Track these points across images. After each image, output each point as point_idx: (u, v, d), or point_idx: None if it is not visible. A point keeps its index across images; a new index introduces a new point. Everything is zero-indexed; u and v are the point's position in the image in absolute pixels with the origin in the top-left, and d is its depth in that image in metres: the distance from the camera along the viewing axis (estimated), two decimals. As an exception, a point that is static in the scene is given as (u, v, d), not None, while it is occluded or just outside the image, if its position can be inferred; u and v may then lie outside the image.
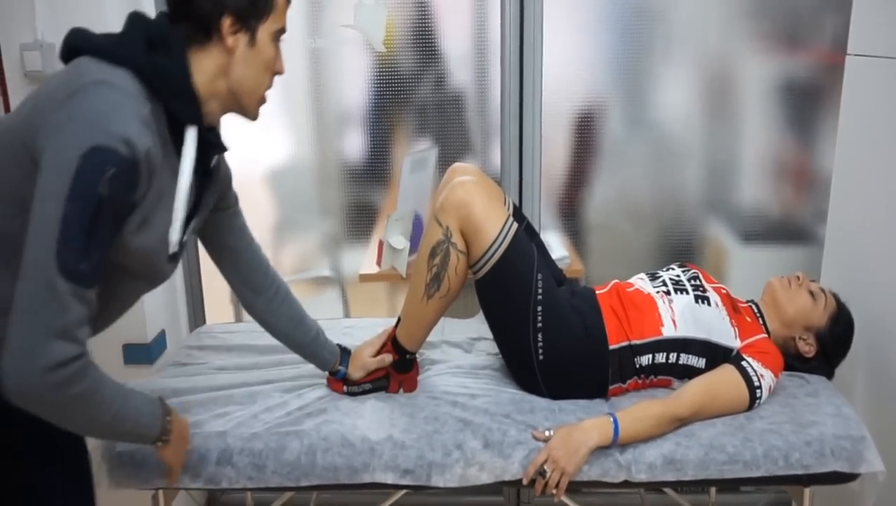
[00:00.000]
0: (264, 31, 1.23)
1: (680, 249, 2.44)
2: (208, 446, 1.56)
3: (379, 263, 2.38)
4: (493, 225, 1.62)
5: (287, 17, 1.27)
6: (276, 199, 2.52)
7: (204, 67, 1.21)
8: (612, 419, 1.51)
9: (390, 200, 2.50)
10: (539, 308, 1.63)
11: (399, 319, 1.79)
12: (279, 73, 1.28)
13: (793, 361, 1.77)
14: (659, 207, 2.43)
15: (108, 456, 1.56)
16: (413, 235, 2.36)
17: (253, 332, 2.15)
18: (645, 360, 1.66)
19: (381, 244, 2.37)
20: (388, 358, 1.75)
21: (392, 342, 1.77)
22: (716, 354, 1.65)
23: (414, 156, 2.30)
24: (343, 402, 1.72)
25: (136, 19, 1.20)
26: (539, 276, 1.64)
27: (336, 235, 2.54)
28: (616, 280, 1.82)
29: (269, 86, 1.29)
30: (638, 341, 1.65)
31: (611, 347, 1.65)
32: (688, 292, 1.71)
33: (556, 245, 2.38)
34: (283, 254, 2.57)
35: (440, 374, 1.84)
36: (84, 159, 1.04)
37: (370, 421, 1.64)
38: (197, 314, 2.56)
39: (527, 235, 1.77)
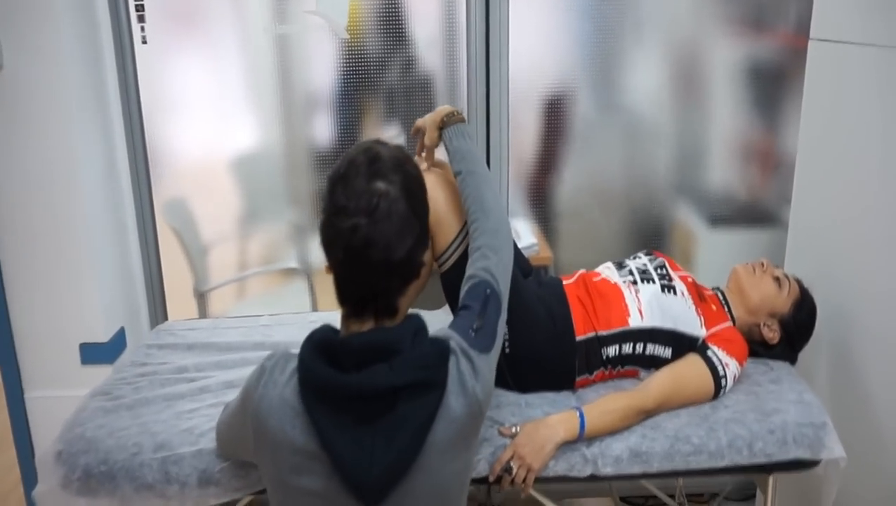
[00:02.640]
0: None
1: (649, 234, 2.45)
2: (186, 471, 1.53)
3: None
4: (457, 218, 1.60)
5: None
6: (242, 187, 2.46)
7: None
8: (578, 414, 1.51)
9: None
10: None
11: None
12: None
13: (757, 348, 1.79)
14: (628, 192, 2.43)
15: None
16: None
17: (216, 328, 2.15)
18: (612, 350, 1.66)
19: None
20: None
21: None
22: (682, 344, 1.66)
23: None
24: None
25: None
26: None
27: (303, 224, 2.49)
28: (583, 270, 1.82)
29: None
30: (605, 332, 1.66)
31: (578, 338, 1.65)
32: (654, 282, 1.71)
33: (525, 232, 2.37)
34: (248, 245, 2.52)
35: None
36: None
37: None
38: (158, 310, 2.48)
39: None
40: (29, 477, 2.27)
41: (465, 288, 1.34)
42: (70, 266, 2.12)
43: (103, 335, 2.15)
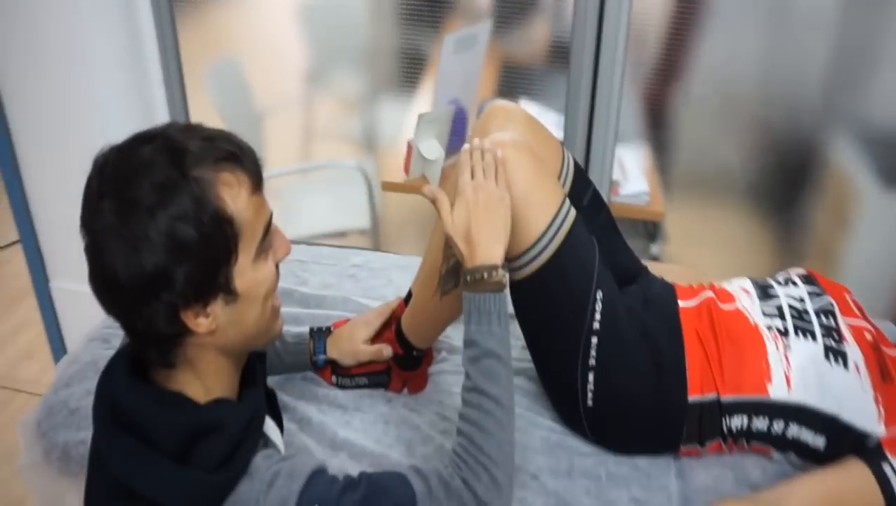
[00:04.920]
0: (243, 265, 0.89)
1: (789, 185, 1.81)
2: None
3: (406, 169, 1.88)
4: (539, 213, 1.13)
5: (264, 205, 0.92)
6: (308, 41, 2.05)
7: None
8: None
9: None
10: (594, 340, 1.16)
11: (409, 295, 1.35)
12: (279, 260, 0.96)
13: None
14: (770, 112, 1.76)
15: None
16: (453, 137, 1.83)
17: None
18: (737, 422, 1.18)
19: (409, 148, 1.85)
20: (387, 351, 1.34)
21: (396, 331, 1.34)
22: (843, 437, 1.15)
23: (458, 33, 1.71)
24: (324, 402, 1.36)
25: None
26: (599, 294, 1.15)
27: (375, 90, 2.05)
28: (708, 287, 1.29)
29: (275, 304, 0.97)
30: (731, 398, 1.17)
31: (691, 398, 1.18)
32: (815, 337, 1.18)
33: (633, 170, 1.81)
34: (313, 113, 2.14)
35: (457, 371, 1.42)
36: None
37: (355, 442, 1.28)
38: None
39: (591, 212, 1.25)
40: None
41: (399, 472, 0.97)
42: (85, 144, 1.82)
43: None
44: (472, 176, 1.09)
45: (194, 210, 0.82)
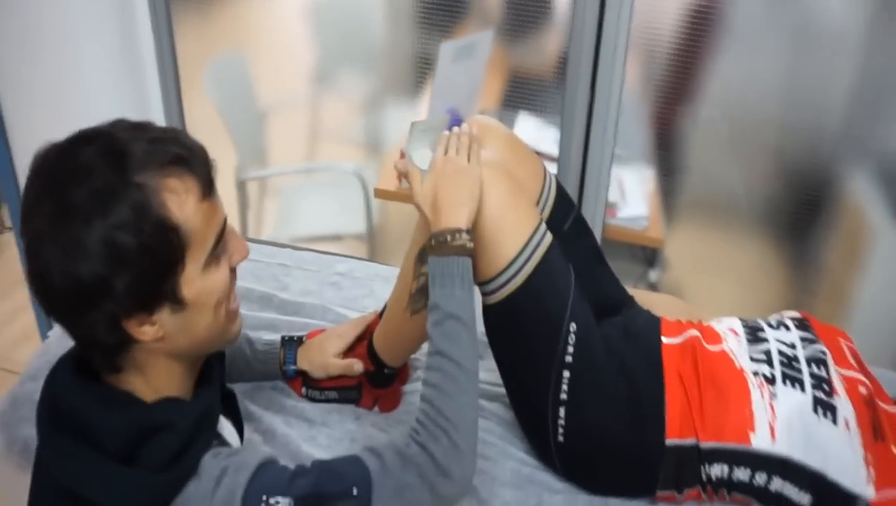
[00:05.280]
0: (191, 274, 0.84)
1: (801, 216, 1.71)
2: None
3: (399, 178, 1.82)
4: (511, 237, 1.07)
5: (216, 211, 0.86)
6: (315, 40, 2.01)
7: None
8: None
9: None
10: (566, 373, 1.09)
11: (384, 310, 1.29)
12: (235, 264, 0.91)
13: None
14: (783, 141, 1.68)
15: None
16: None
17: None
18: (717, 470, 1.10)
19: (401, 157, 1.78)
20: (358, 366, 1.29)
21: (368, 347, 1.28)
22: (829, 496, 1.07)
23: (458, 41, 1.65)
24: (292, 414, 1.31)
25: None
26: (573, 325, 1.08)
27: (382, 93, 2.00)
28: (694, 325, 1.21)
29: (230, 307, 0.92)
30: (711, 445, 1.09)
31: (668, 441, 1.10)
32: (804, 388, 1.10)
33: (633, 191, 1.74)
34: (319, 113, 2.09)
35: (432, 392, 1.35)
36: None
37: (321, 455, 1.18)
38: None
39: (572, 238, 1.18)
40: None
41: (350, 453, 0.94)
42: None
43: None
44: (446, 152, 1.08)
45: (134, 219, 0.77)
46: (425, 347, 1.44)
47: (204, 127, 2.06)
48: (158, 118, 1.98)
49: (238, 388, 1.37)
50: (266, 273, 1.71)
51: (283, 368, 1.31)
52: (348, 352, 1.31)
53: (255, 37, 2.08)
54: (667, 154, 1.74)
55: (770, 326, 1.20)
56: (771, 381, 1.11)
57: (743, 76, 1.64)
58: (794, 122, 1.66)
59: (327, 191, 2.38)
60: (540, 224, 1.09)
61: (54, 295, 0.79)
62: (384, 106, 2.11)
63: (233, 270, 0.90)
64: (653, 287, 1.83)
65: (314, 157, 2.29)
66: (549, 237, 1.10)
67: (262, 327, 1.52)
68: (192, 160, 0.82)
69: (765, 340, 1.17)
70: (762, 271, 1.79)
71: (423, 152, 1.75)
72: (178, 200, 0.80)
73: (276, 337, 1.34)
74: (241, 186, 2.23)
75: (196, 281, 0.83)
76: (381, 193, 1.87)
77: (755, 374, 1.11)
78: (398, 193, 1.82)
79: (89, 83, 1.82)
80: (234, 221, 2.20)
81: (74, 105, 1.83)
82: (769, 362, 1.13)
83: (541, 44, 1.77)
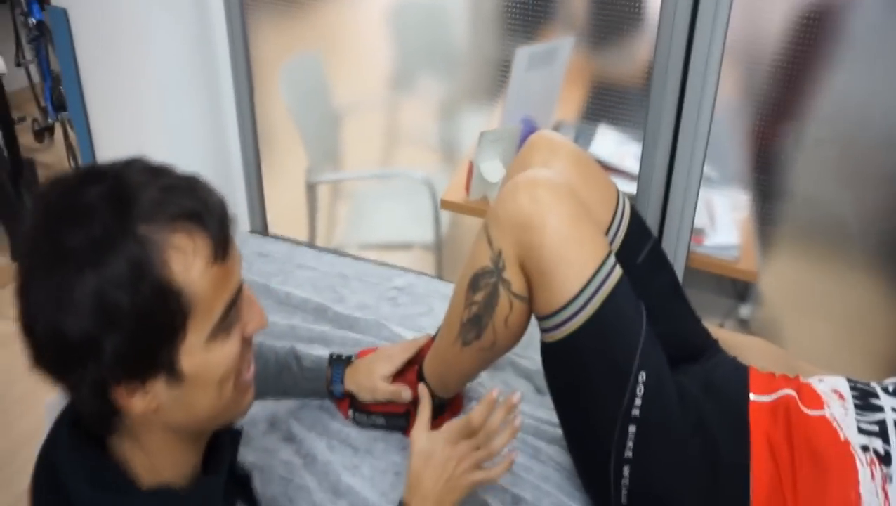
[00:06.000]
0: (193, 345, 0.72)
1: None
2: None
3: (468, 189, 1.71)
4: (574, 270, 0.94)
5: (229, 276, 0.74)
6: (396, 42, 1.94)
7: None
8: None
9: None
10: (632, 428, 0.95)
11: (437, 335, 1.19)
12: (249, 336, 0.79)
13: None
14: None
15: None
16: (522, 158, 1.64)
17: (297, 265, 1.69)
18: (811, 558, 0.94)
19: (470, 167, 1.68)
20: (406, 393, 1.20)
21: (418, 372, 1.19)
22: None
23: (535, 47, 1.53)
24: (336, 438, 1.24)
25: None
26: (642, 374, 0.94)
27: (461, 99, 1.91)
28: (791, 381, 1.04)
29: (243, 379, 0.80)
30: (805, 526, 0.93)
31: (753, 517, 0.94)
32: None
33: (725, 219, 1.56)
34: (396, 117, 2.05)
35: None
36: None
37: (359, 491, 1.15)
38: (255, 203, 2.04)
39: (647, 273, 1.04)
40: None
41: None
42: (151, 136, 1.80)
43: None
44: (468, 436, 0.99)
45: (130, 275, 0.66)
46: (482, 376, 1.35)
47: (276, 128, 2.02)
48: (230, 118, 1.95)
49: (284, 404, 1.31)
50: (324, 283, 1.65)
51: (330, 387, 1.24)
52: (398, 376, 1.22)
53: (333, 38, 2.02)
54: (765, 177, 1.55)
55: (886, 391, 1.01)
56: (885, 460, 0.93)
57: (859, 91, 1.45)
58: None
59: (400, 197, 2.30)
60: (608, 256, 0.96)
61: (38, 344, 0.69)
62: (462, 112, 2.02)
63: (247, 340, 0.78)
64: (743, 324, 1.65)
65: (389, 162, 2.22)
66: (618, 271, 0.96)
67: (315, 340, 1.47)
68: (206, 216, 0.71)
69: (879, 407, 0.98)
70: (875, 314, 1.59)
71: (493, 164, 1.64)
72: (185, 261, 0.69)
73: (326, 353, 1.27)
74: (312, 190, 2.18)
75: (198, 353, 0.71)
76: (448, 205, 1.76)
77: (864, 449, 0.94)
78: (465, 206, 1.71)
79: (165, 84, 1.79)
80: (302, 226, 2.19)
81: (150, 106, 1.80)
82: (884, 437, 0.95)
83: (628, 51, 1.62)
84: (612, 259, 0.97)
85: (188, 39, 1.82)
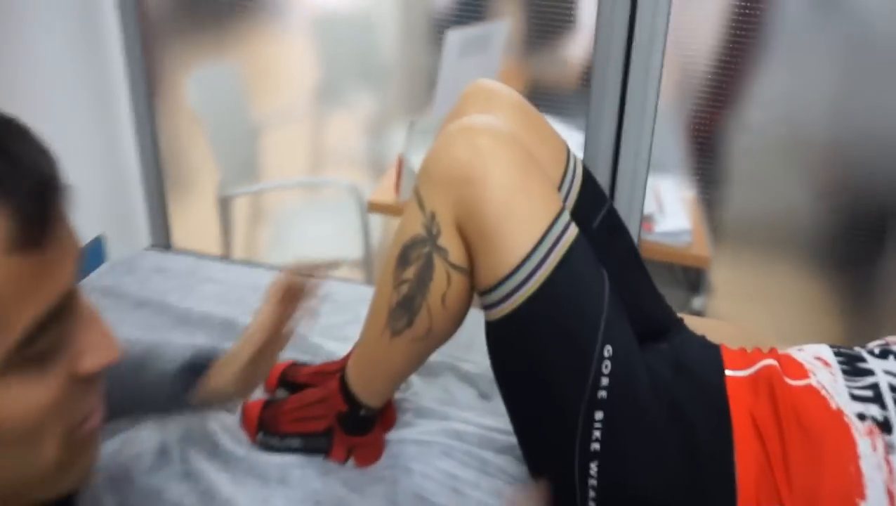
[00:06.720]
0: None
1: (869, 237, 1.46)
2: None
3: (397, 189, 1.57)
4: (523, 228, 0.80)
5: (50, 278, 0.49)
6: (320, 53, 1.89)
7: None
8: None
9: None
10: (598, 415, 0.81)
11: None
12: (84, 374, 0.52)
13: None
14: (848, 154, 1.45)
15: None
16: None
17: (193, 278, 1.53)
18: (809, 551, 0.80)
19: (399, 164, 1.54)
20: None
21: (340, 380, 1.02)
22: None
23: (467, 31, 1.42)
24: (240, 468, 1.04)
25: None
26: (608, 348, 0.80)
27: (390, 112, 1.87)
28: (767, 353, 0.92)
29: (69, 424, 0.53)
30: (802, 516, 0.79)
31: (740, 510, 0.80)
32: None
33: (673, 203, 1.46)
34: (319, 130, 1.97)
35: (423, 441, 1.08)
36: None
37: None
38: (156, 218, 1.87)
39: (604, 238, 0.91)
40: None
41: None
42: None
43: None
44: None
45: None
46: (417, 384, 1.19)
47: (181, 137, 1.89)
48: (126, 128, 1.79)
49: (175, 433, 1.09)
50: (234, 295, 1.48)
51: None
52: (314, 385, 1.06)
53: (251, 50, 1.91)
54: (709, 162, 1.48)
55: (873, 354, 0.89)
56: (885, 427, 0.80)
57: (801, 81, 1.43)
58: (859, 131, 1.43)
59: (325, 213, 2.16)
60: (562, 212, 0.82)
61: None
62: (391, 126, 1.92)
63: (86, 380, 0.53)
64: (698, 316, 1.56)
65: (313, 176, 2.10)
66: (573, 229, 0.82)
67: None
68: (10, 176, 0.47)
69: (869, 371, 0.86)
70: (826, 301, 1.55)
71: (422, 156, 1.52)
72: None
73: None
74: (225, 204, 2.01)
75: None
76: (377, 207, 1.62)
77: (861, 417, 0.81)
78: (396, 207, 1.57)
79: (49, 91, 1.62)
80: (215, 242, 2.02)
81: (28, 110, 1.62)
82: (879, 402, 0.82)
83: (564, 51, 1.54)
84: (567, 215, 0.82)
85: (75, 44, 1.68)
